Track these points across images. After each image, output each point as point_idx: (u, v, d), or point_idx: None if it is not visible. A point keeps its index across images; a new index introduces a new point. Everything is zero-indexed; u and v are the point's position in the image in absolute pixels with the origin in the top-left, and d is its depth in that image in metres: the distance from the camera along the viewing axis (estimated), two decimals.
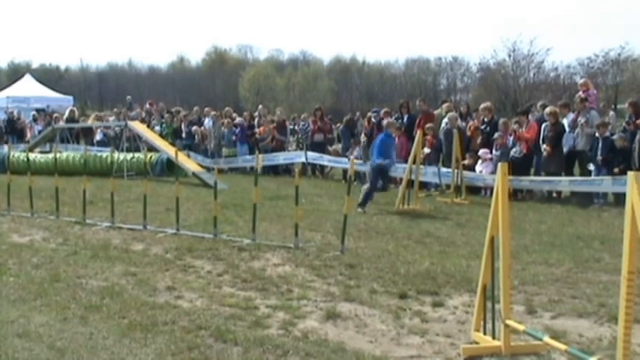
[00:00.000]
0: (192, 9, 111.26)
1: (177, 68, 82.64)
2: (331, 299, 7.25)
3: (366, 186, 14.04)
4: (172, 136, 22.92)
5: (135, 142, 21.42)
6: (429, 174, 16.74)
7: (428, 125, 17.37)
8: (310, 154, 20.42)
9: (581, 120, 14.93)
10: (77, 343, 5.88)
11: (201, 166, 19.83)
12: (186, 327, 6.27)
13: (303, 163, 20.41)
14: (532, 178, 15.40)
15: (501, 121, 16.66)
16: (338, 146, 20.97)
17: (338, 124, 24.40)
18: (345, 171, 18.26)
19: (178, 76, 78.13)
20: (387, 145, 14.07)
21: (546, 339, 5.43)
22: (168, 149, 19.30)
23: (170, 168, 18.72)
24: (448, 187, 15.91)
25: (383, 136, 14.28)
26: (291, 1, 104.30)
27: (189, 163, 19.14)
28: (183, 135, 23.40)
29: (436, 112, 18.71)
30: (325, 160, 20.38)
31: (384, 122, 15.93)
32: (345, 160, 18.45)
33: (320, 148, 20.70)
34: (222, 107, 26.56)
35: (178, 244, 10.08)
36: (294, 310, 6.85)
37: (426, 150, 16.98)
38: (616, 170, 13.86)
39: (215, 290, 7.62)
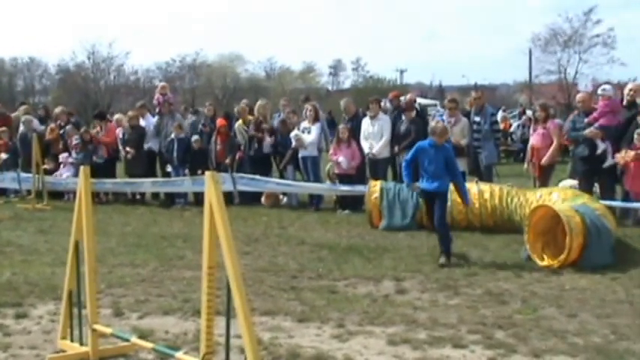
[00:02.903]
0: None
1: None
2: None
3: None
4: None
5: None
6: (7, 180, 16.09)
7: (2, 129, 16.56)
8: None
9: (169, 121, 15.24)
10: None
11: None
12: None
13: None
14: (115, 180, 15.52)
15: (70, 127, 16.36)
16: None
17: None
18: None
19: None
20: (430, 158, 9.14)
21: (134, 339, 5.50)
22: None
23: None
24: (29, 192, 15.29)
25: (427, 146, 9.16)
26: None
27: None
28: None
29: (14, 114, 17.92)
30: None
31: (432, 124, 9.68)
32: None
33: None
34: None
35: None
36: None
37: (3, 155, 16.28)
38: (199, 172, 14.45)
39: None
